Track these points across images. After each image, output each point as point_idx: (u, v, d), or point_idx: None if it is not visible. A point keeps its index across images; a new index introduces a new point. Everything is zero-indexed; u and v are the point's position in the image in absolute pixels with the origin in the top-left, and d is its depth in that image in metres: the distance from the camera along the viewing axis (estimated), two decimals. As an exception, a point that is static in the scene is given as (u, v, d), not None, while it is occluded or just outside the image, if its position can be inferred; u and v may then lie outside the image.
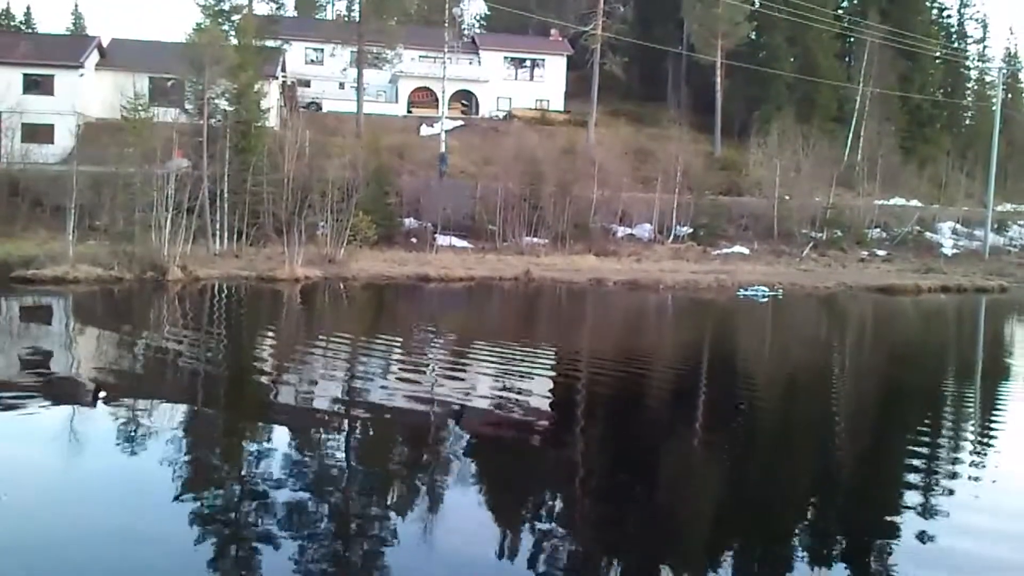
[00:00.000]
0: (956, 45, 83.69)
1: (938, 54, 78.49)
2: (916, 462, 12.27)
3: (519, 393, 15.98)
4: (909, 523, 9.61)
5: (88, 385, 15.55)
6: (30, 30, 76.50)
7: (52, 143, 50.61)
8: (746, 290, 37.54)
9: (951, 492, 10.80)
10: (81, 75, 54.02)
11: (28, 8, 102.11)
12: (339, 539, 8.75)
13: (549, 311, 32.84)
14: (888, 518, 9.91)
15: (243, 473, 10.71)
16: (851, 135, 67.18)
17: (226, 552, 8.28)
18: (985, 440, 13.84)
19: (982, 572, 8.58)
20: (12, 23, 78.69)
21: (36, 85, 52.62)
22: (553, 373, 19.18)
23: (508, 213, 48.04)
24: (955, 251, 57.56)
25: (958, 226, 61.25)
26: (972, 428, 14.76)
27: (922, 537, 9.16)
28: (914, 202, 60.82)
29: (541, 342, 23.63)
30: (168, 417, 13.35)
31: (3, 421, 12.76)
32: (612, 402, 15.99)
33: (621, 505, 10.04)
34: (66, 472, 10.62)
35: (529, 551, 8.59)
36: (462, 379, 17.36)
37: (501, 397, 15.50)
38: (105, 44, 58.23)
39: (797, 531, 9.63)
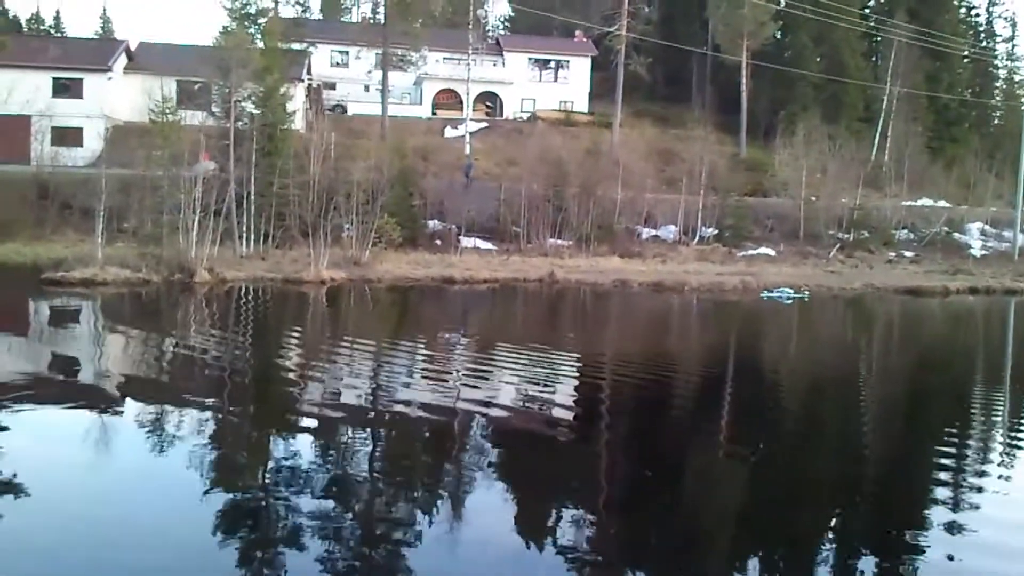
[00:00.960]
0: (984, 44, 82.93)
1: (966, 53, 77.85)
2: (945, 461, 12.20)
3: (544, 397, 15.98)
4: (938, 518, 9.57)
5: (117, 386, 15.70)
6: (59, 34, 77.39)
7: (81, 146, 51.17)
8: (771, 292, 37.36)
9: (979, 490, 10.77)
10: (109, 78, 54.59)
11: (57, 12, 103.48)
12: (365, 539, 8.79)
13: (574, 313, 32.80)
14: (920, 512, 9.85)
15: (270, 473, 10.79)
16: (878, 135, 66.68)
17: (252, 552, 8.35)
18: (1015, 442, 13.71)
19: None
20: (42, 27, 79.61)
21: (65, 89, 53.21)
22: (578, 376, 19.17)
23: (532, 215, 48.06)
24: (984, 252, 56.94)
25: (987, 227, 60.58)
26: (1001, 431, 14.62)
27: (951, 528, 9.11)
28: (942, 203, 60.23)
29: (566, 345, 23.62)
30: (196, 417, 13.45)
31: (33, 421, 12.90)
32: (633, 405, 15.98)
33: (648, 503, 10.03)
34: (94, 471, 10.73)
35: (554, 553, 8.61)
36: (488, 382, 17.34)
37: (527, 400, 15.51)
38: (133, 48, 58.86)
39: (824, 534, 9.58)
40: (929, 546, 9.05)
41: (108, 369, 17.69)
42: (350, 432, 13.03)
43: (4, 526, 8.64)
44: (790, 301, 35.67)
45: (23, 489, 9.57)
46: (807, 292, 37.69)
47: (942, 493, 10.94)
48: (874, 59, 74.26)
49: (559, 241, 48.09)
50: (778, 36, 68.94)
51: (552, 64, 71.79)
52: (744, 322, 31.63)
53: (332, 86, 65.46)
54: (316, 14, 78.77)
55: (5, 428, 12.09)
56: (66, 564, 7.94)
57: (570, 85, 70.96)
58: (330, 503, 9.65)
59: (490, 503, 10.04)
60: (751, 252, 51.09)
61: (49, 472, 10.42)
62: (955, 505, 10.40)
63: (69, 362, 17.79)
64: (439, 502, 10.04)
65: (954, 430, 14.68)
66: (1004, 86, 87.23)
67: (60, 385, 15.41)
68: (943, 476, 11.65)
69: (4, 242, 38.97)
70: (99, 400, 14.24)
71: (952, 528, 9.56)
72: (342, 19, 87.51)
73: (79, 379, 16.11)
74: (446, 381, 17.37)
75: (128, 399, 14.64)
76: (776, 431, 14.42)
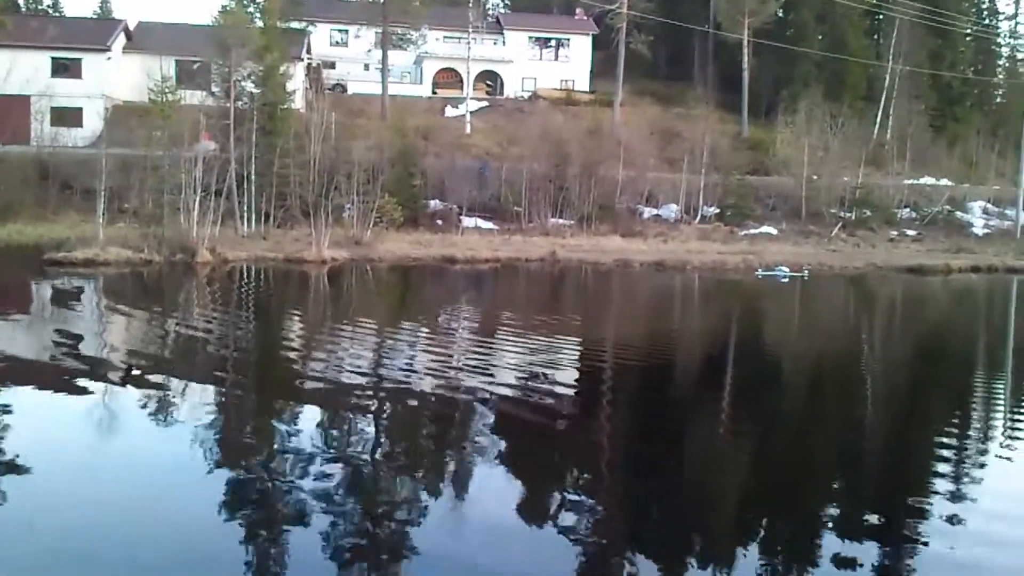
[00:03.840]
0: (987, 22, 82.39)
1: (969, 31, 77.38)
2: (946, 440, 12.21)
3: (547, 376, 15.98)
4: (940, 494, 9.59)
5: (120, 365, 15.70)
6: (58, 14, 76.89)
7: (81, 126, 51.04)
8: (766, 270, 37.21)
9: (981, 466, 10.87)
10: (108, 58, 54.34)
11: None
12: (368, 516, 8.80)
13: (575, 292, 32.80)
14: (918, 490, 9.87)
15: (273, 451, 10.80)
16: (880, 114, 66.38)
17: (256, 530, 8.36)
18: (1017, 422, 13.73)
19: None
20: (40, 7, 79.15)
21: (64, 69, 52.97)
22: (578, 355, 19.18)
23: (533, 194, 47.96)
24: (986, 231, 56.89)
25: (989, 205, 60.47)
26: (1002, 412, 14.65)
27: (952, 520, 9.11)
28: (944, 181, 60.04)
29: (569, 323, 23.62)
30: (199, 396, 13.47)
31: (36, 400, 12.92)
32: (629, 385, 16.02)
33: (651, 474, 10.05)
34: (98, 450, 10.75)
35: (559, 527, 8.63)
36: (491, 360, 17.34)
37: (530, 378, 15.50)
38: (132, 27, 58.53)
39: (825, 511, 9.59)
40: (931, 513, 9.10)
41: (111, 349, 17.68)
42: (354, 411, 13.01)
43: (8, 507, 8.64)
44: (786, 280, 35.56)
45: (26, 469, 9.58)
46: (807, 271, 37.56)
47: (944, 467, 10.96)
48: (876, 37, 73.83)
49: (560, 221, 48.04)
50: (780, 14, 68.57)
51: (553, 43, 71.45)
52: (741, 302, 31.61)
53: (332, 65, 65.17)
54: (315, -7, 78.24)
55: (8, 408, 12.10)
56: (70, 543, 7.94)
57: (571, 64, 70.65)
58: (334, 481, 9.64)
59: (494, 481, 10.03)
60: (753, 231, 51.05)
61: (53, 452, 10.41)
62: (956, 477, 10.45)
63: (72, 342, 17.78)
64: (443, 480, 10.05)
65: (956, 411, 14.69)
66: (1007, 64, 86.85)
67: (63, 365, 15.41)
68: (945, 453, 11.65)
69: (6, 223, 38.97)
70: (102, 379, 14.23)
71: (954, 497, 9.64)
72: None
73: (82, 359, 16.09)
74: (449, 360, 17.35)
75: (131, 378, 14.63)
76: (767, 413, 14.42)
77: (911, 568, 8.06)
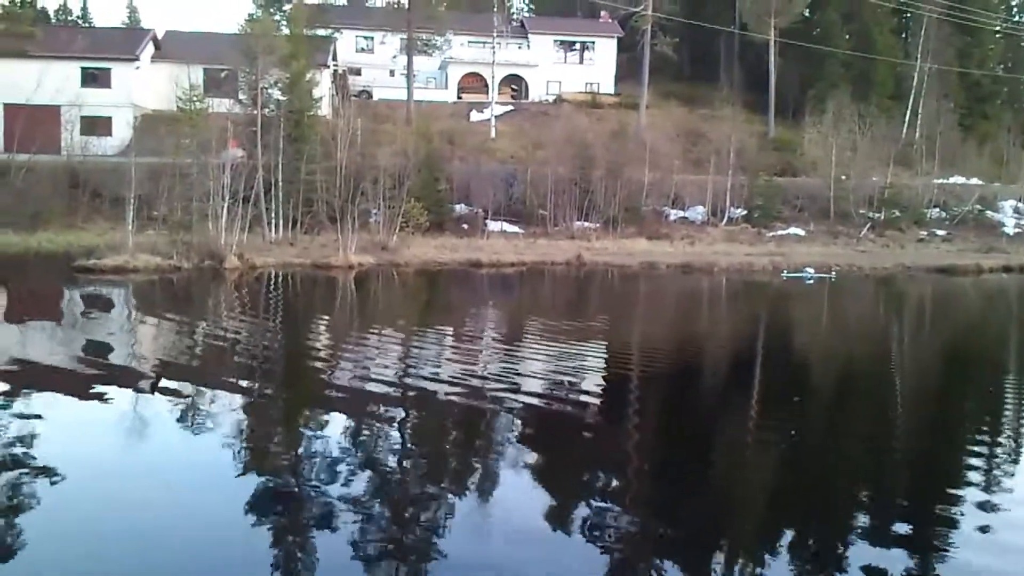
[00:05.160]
0: (1017, 18, 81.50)
1: (998, 28, 76.52)
2: (978, 448, 12.06)
3: (574, 382, 15.94)
4: (971, 499, 9.47)
5: (151, 371, 15.83)
6: (87, 24, 77.86)
7: (110, 135, 51.66)
8: (792, 272, 36.88)
9: (1011, 475, 10.69)
10: (137, 67, 54.93)
11: (84, 2, 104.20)
12: (395, 522, 8.82)
13: (600, 296, 32.71)
14: (950, 491, 9.75)
15: (302, 456, 10.85)
16: (908, 113, 65.82)
17: (284, 534, 8.41)
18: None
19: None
20: (69, 18, 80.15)
21: (94, 78, 53.57)
22: (606, 359, 19.15)
23: (559, 197, 47.93)
24: (1017, 230, 56.19)
25: (1020, 204, 59.70)
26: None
27: (984, 511, 9.00)
28: (974, 180, 59.36)
29: (593, 327, 23.56)
30: (228, 401, 13.56)
31: (68, 406, 13.05)
32: (648, 388, 15.96)
33: (678, 475, 10.01)
34: (128, 455, 10.84)
35: (584, 528, 8.61)
36: (519, 366, 17.32)
37: (557, 386, 15.47)
38: (160, 36, 59.15)
39: (854, 518, 9.50)
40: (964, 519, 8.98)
41: (142, 355, 17.84)
42: (382, 416, 13.04)
43: (41, 510, 8.74)
44: (811, 281, 35.24)
45: (59, 472, 9.68)
46: (835, 272, 37.21)
47: (975, 476, 10.79)
48: (904, 35, 73.26)
49: (586, 224, 47.98)
50: (807, 13, 68.15)
51: (577, 46, 71.38)
52: (766, 305, 31.36)
53: (358, 72, 65.48)
54: (341, 0, 78.73)
55: (39, 416, 12.23)
56: (102, 546, 8.03)
57: (596, 67, 70.51)
58: (362, 486, 9.68)
59: (521, 486, 10.01)
60: (780, 232, 50.75)
61: (84, 456, 10.50)
62: (987, 485, 10.29)
63: (103, 348, 17.95)
64: (470, 482, 10.05)
65: (986, 416, 14.51)
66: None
67: (94, 371, 15.56)
68: (975, 462, 11.48)
69: (36, 231, 39.47)
70: (133, 385, 14.36)
71: (985, 507, 9.48)
72: (367, 4, 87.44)
73: (113, 365, 16.25)
74: (476, 364, 17.35)
75: (161, 384, 14.74)
76: (793, 416, 14.32)
77: None
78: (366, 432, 12.20)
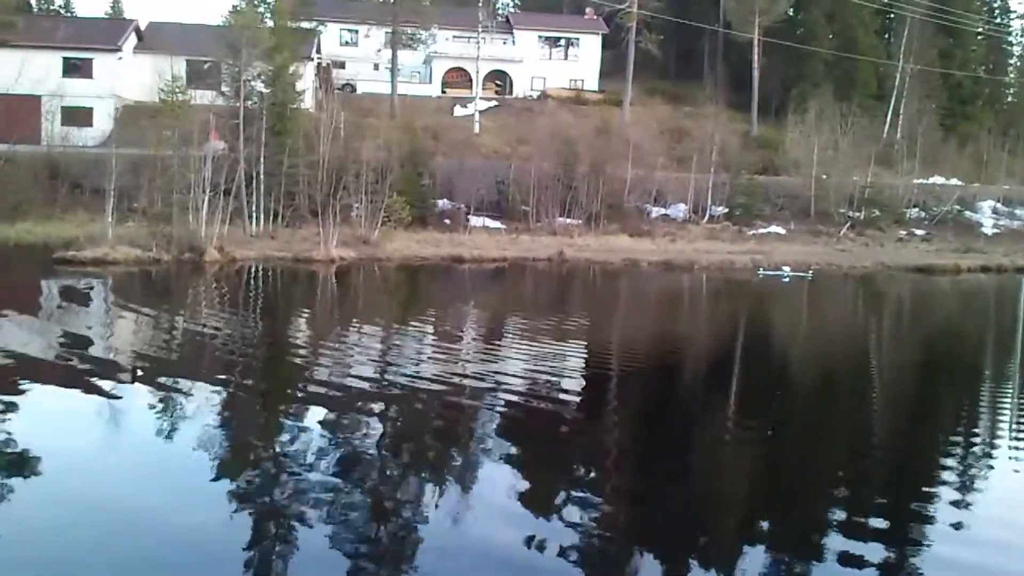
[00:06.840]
0: (999, 20, 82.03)
1: (980, 30, 77.08)
2: (954, 439, 12.21)
3: (553, 377, 16.01)
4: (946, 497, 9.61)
5: (128, 364, 15.79)
6: (69, 14, 77.22)
7: (91, 126, 51.28)
8: (769, 271, 36.98)
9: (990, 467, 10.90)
10: (119, 58, 54.53)
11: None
12: (373, 519, 8.85)
13: (582, 292, 32.79)
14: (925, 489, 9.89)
15: (279, 451, 10.86)
16: (890, 113, 66.21)
17: (262, 531, 8.42)
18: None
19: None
20: (51, 7, 79.49)
21: (75, 69, 53.14)
22: (585, 356, 19.22)
23: (541, 193, 47.91)
24: (996, 231, 56.64)
25: (999, 205, 60.20)
26: (1008, 414, 14.62)
27: (957, 526, 9.12)
28: (954, 181, 59.84)
29: (573, 324, 23.64)
30: (206, 397, 13.52)
31: (44, 400, 13.00)
32: (627, 385, 16.04)
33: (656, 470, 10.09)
34: (104, 450, 10.81)
35: (562, 516, 8.69)
36: (498, 361, 17.38)
37: (536, 379, 15.54)
38: (142, 27, 58.69)
39: (830, 513, 9.60)
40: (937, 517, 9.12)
41: (119, 348, 17.77)
42: (360, 410, 13.06)
43: (12, 506, 8.72)
44: (787, 280, 35.33)
45: (32, 468, 9.66)
46: (812, 271, 37.30)
47: (949, 475, 10.93)
48: (887, 36, 73.64)
49: (568, 220, 47.99)
50: (790, 13, 68.42)
51: (562, 42, 71.38)
52: (741, 304, 31.48)
53: (342, 65, 65.23)
54: (325, -8, 78.31)
55: (14, 407, 12.18)
56: (74, 543, 8.01)
57: (580, 63, 70.56)
58: (340, 480, 9.71)
59: (500, 479, 10.05)
60: (761, 231, 50.94)
61: (59, 451, 10.46)
62: (962, 485, 10.43)
63: (80, 341, 17.87)
64: (449, 477, 10.09)
65: (962, 416, 14.66)
66: (1018, 63, 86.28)
67: (71, 364, 15.51)
68: (950, 462, 11.62)
69: (15, 222, 39.11)
70: (110, 379, 14.29)
71: (959, 504, 9.64)
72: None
73: (90, 358, 16.18)
74: (456, 360, 17.40)
75: (139, 377, 14.72)
76: (769, 416, 14.43)
77: (917, 570, 8.09)
78: (345, 425, 12.20)
